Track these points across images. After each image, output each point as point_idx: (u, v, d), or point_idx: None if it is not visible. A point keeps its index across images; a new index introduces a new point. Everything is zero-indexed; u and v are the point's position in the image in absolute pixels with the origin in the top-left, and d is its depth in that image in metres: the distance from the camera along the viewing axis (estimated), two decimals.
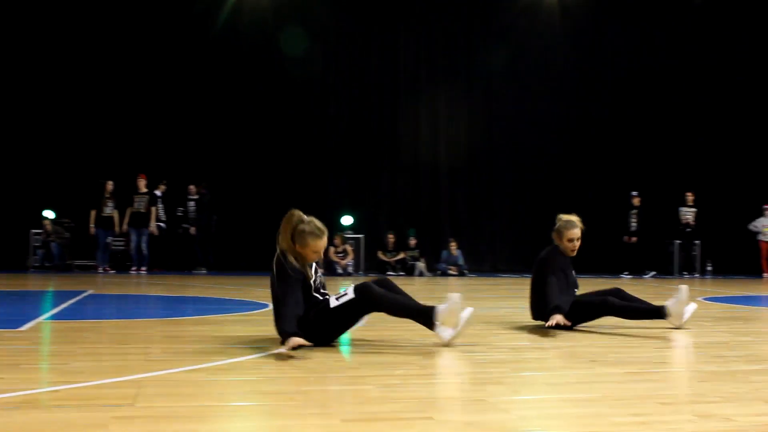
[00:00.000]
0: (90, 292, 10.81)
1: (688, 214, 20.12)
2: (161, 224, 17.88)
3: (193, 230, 18.30)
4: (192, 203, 18.57)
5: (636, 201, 19.58)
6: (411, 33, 20.82)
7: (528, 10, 21.29)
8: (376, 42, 20.66)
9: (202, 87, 19.31)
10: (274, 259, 5.30)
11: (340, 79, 20.31)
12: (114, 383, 3.85)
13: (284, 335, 4.82)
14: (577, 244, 6.70)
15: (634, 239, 19.44)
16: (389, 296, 5.35)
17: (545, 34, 21.24)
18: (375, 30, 20.57)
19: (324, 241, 5.43)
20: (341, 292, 5.35)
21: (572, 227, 6.67)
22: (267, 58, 19.80)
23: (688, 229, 20.11)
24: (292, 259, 5.27)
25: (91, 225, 17.46)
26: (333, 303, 5.26)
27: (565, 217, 6.81)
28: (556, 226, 6.76)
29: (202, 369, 4.32)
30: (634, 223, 19.57)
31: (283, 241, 5.35)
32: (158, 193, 17.92)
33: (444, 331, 5.29)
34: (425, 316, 5.29)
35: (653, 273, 19.53)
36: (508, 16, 21.19)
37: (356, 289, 5.25)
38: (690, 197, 20.08)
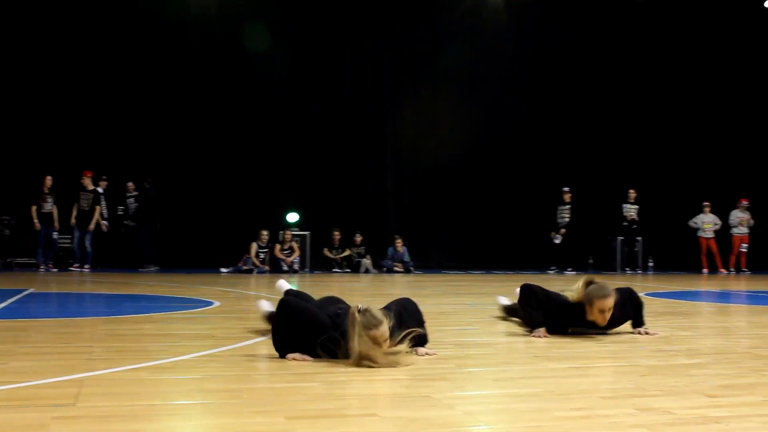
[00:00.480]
0: (31, 290, 10.63)
1: (631, 210, 20.40)
2: (104, 221, 17.65)
3: (129, 223, 18.10)
4: (132, 199, 18.37)
5: (567, 197, 19.81)
6: (371, 30, 20.76)
7: (474, 10, 21.41)
8: (336, 38, 20.53)
9: (149, 80, 19.04)
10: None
11: (295, 77, 20.12)
12: (55, 383, 3.80)
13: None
14: (608, 315, 5.84)
15: (562, 231, 19.61)
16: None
17: (490, 34, 21.36)
18: (335, 27, 20.46)
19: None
20: None
21: (606, 296, 5.80)
22: (221, 51, 19.59)
23: (634, 226, 20.39)
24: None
25: (35, 220, 17.17)
26: None
27: (597, 279, 5.96)
28: (587, 290, 5.89)
29: (145, 368, 4.28)
30: (565, 218, 19.79)
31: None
32: (100, 189, 17.68)
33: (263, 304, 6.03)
34: None
35: (554, 269, 19.66)
36: (455, 15, 21.26)
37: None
38: (632, 194, 20.36)
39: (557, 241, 19.74)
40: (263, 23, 19.64)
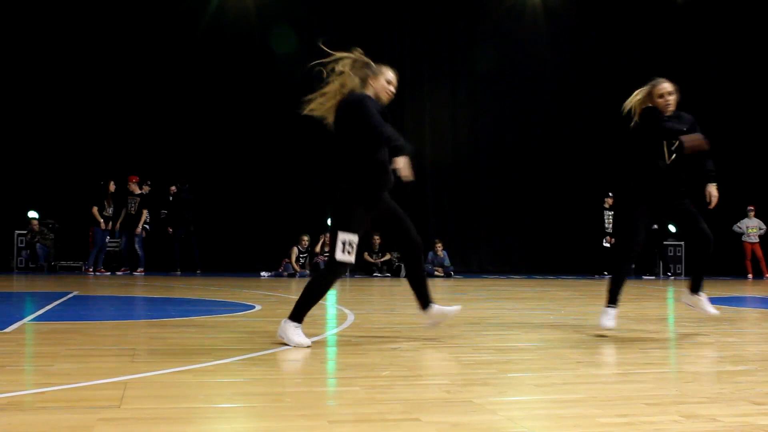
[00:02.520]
0: (75, 293, 10.76)
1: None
2: (146, 226, 17.84)
3: (169, 229, 18.29)
4: (173, 203, 18.53)
5: (609, 201, 19.68)
6: (398, 32, 20.80)
7: (512, 10, 21.34)
8: (364, 42, 20.55)
9: (193, 85, 19.24)
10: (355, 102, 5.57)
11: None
12: (99, 385, 3.84)
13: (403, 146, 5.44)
14: (670, 99, 6.39)
15: (612, 240, 19.52)
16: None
17: (529, 36, 21.28)
18: (363, 29, 20.51)
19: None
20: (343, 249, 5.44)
21: (660, 82, 6.42)
22: (252, 56, 19.73)
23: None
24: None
25: (100, 220, 17.38)
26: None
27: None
28: (645, 91, 6.50)
29: (189, 371, 4.31)
30: (608, 224, 19.66)
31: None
32: (144, 193, 17.88)
33: None
34: None
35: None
36: (494, 17, 21.22)
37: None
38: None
39: (607, 245, 19.60)
40: (289, 26, 19.70)
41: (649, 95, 6.42)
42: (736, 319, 8.73)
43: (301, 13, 20.07)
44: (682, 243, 20.59)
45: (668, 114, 6.37)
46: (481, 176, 20.97)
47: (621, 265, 6.49)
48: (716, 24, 21.88)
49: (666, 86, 6.38)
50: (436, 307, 5.93)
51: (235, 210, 19.19)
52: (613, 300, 6.42)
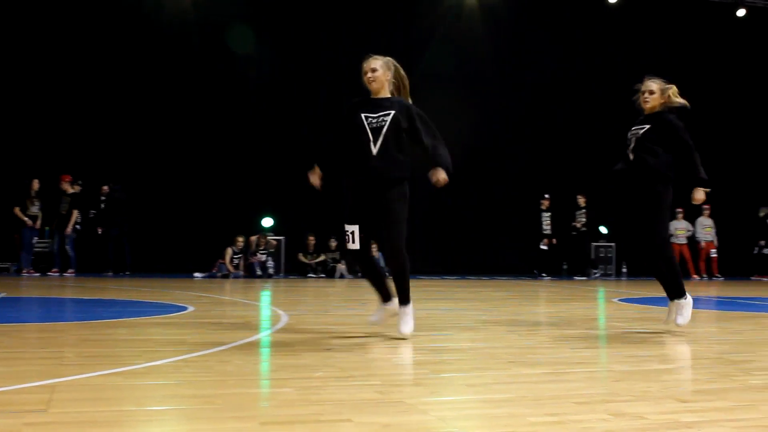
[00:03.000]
0: (3, 295, 10.55)
1: (581, 217, 20.42)
2: (77, 226, 17.53)
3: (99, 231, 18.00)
4: (105, 203, 18.24)
5: (546, 203, 19.98)
6: (342, 33, 20.75)
7: (449, 12, 21.46)
8: (314, 40, 20.45)
9: (125, 82, 18.91)
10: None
11: (273, 80, 20.04)
12: (26, 389, 3.77)
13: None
14: (645, 97, 6.73)
15: (552, 241, 19.82)
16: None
17: (466, 37, 21.41)
18: (313, 29, 20.40)
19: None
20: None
21: (648, 78, 6.76)
22: (185, 54, 19.51)
23: (583, 229, 20.46)
24: None
25: (25, 219, 17.03)
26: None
27: None
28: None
29: (119, 373, 4.25)
30: (546, 225, 19.95)
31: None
32: (75, 193, 17.56)
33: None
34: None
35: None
36: (432, 19, 21.29)
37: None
38: (581, 200, 20.36)
39: (545, 248, 19.87)
40: (241, 25, 19.56)
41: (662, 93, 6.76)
42: (664, 318, 8.90)
43: (241, 10, 19.85)
44: (613, 244, 20.93)
45: (646, 113, 6.76)
46: (414, 176, 20.97)
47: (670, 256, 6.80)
48: (650, 26, 22.30)
49: (648, 84, 6.73)
50: (392, 306, 6.24)
51: (167, 210, 18.94)
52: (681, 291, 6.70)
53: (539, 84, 21.57)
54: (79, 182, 17.74)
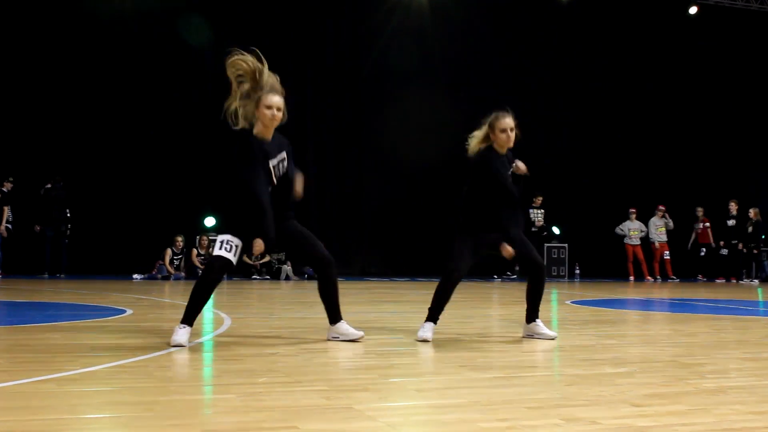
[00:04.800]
0: None
1: (538, 215, 20.61)
2: (8, 225, 17.23)
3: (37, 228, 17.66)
4: (43, 201, 17.89)
5: (538, 201, 20.24)
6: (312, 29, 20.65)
7: (398, 6, 21.45)
8: (264, 33, 20.32)
9: (60, 75, 18.57)
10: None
11: (209, 72, 19.82)
12: None
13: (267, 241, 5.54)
14: (512, 135, 6.26)
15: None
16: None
17: (416, 32, 21.41)
18: (269, 23, 20.27)
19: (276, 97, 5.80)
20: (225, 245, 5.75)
21: (504, 116, 6.25)
22: (129, 48, 19.25)
23: (544, 233, 20.69)
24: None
25: None
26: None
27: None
28: (488, 121, 6.35)
29: (53, 379, 4.19)
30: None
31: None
32: (5, 190, 17.26)
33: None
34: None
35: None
36: (379, 16, 21.26)
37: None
38: (538, 200, 20.52)
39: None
40: (196, 16, 19.35)
41: (491, 128, 6.33)
42: (617, 321, 9.02)
43: (183, 3, 19.63)
44: (566, 245, 21.13)
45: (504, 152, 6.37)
46: (365, 177, 20.98)
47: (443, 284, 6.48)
48: (603, 23, 22.54)
49: (509, 121, 6.29)
50: (343, 325, 6.08)
51: (105, 210, 18.66)
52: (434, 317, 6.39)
53: (489, 81, 21.63)
54: (10, 179, 17.41)
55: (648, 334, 7.27)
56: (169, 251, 17.88)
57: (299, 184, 6.09)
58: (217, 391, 4.05)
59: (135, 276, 17.33)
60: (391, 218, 20.96)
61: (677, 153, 22.79)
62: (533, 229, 20.40)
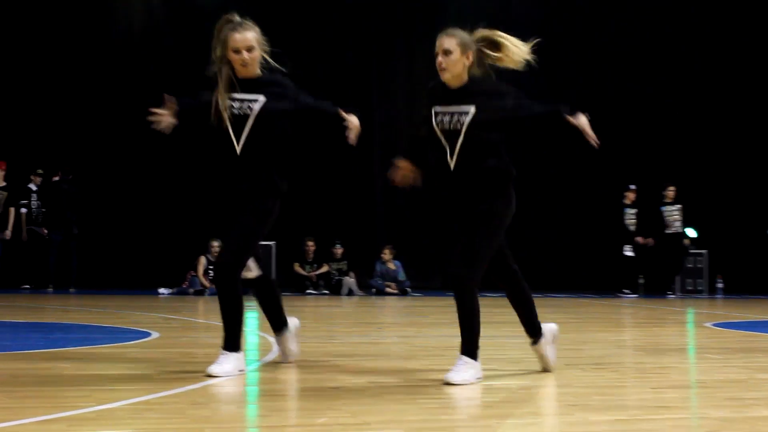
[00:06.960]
0: None
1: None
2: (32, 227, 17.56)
3: (43, 230, 17.90)
4: (50, 197, 18.16)
5: (631, 196, 19.96)
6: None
7: None
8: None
9: (83, 62, 19.11)
10: None
11: None
12: None
13: None
14: (440, 60, 5.78)
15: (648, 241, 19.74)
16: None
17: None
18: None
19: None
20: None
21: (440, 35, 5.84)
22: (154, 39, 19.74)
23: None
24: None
25: None
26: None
27: None
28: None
29: (62, 419, 4.24)
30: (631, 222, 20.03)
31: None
32: (33, 186, 17.58)
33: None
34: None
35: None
36: None
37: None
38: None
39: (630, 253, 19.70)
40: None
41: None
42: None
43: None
44: (705, 252, 20.83)
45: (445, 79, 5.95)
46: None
47: None
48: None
49: (442, 41, 5.82)
50: (288, 336, 6.34)
51: (124, 209, 18.94)
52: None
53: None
54: (39, 171, 17.67)
55: None
56: (203, 260, 17.96)
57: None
58: None
59: (161, 290, 17.50)
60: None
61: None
62: (667, 232, 19.93)
